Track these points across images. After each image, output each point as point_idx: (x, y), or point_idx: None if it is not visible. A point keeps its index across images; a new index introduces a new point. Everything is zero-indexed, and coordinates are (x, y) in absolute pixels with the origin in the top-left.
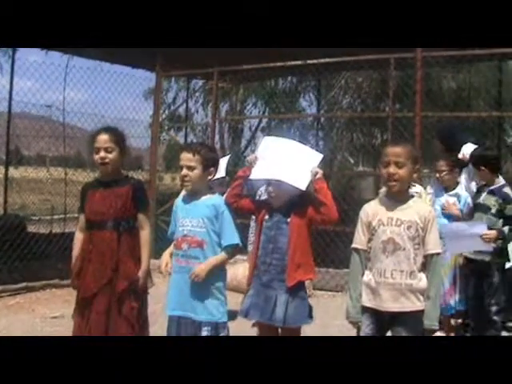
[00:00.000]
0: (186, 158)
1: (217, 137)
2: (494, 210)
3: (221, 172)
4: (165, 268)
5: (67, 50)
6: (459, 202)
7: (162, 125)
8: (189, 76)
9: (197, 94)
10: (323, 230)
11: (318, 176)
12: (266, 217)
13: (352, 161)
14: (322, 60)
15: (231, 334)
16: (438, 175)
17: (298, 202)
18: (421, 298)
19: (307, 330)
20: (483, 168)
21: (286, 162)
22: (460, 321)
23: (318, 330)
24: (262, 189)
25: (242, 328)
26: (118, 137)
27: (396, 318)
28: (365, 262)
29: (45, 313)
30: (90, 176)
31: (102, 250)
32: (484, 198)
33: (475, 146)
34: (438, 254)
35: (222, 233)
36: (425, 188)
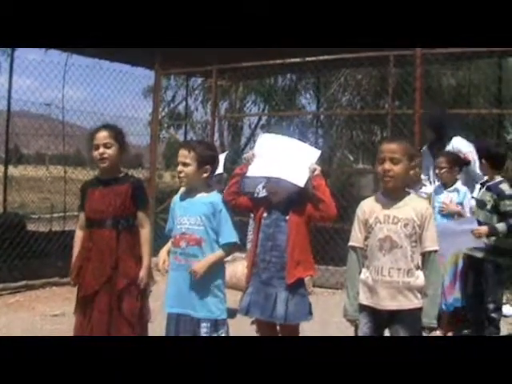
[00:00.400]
0: (182, 154)
1: (216, 134)
2: (489, 206)
3: (219, 169)
4: (162, 266)
5: (66, 49)
6: (458, 195)
7: (161, 123)
8: (188, 74)
9: (196, 92)
10: (323, 228)
11: (316, 173)
12: (265, 214)
13: (352, 158)
14: (321, 57)
15: (230, 332)
16: (437, 171)
17: (297, 200)
18: (418, 295)
19: (306, 328)
20: (485, 162)
21: (284, 159)
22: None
23: (318, 328)
24: (260, 186)
25: (242, 325)
26: (116, 133)
27: (394, 316)
28: (362, 260)
29: (45, 311)
30: (90, 174)
31: (101, 248)
32: (481, 193)
33: (464, 140)
34: (436, 251)
35: (220, 230)
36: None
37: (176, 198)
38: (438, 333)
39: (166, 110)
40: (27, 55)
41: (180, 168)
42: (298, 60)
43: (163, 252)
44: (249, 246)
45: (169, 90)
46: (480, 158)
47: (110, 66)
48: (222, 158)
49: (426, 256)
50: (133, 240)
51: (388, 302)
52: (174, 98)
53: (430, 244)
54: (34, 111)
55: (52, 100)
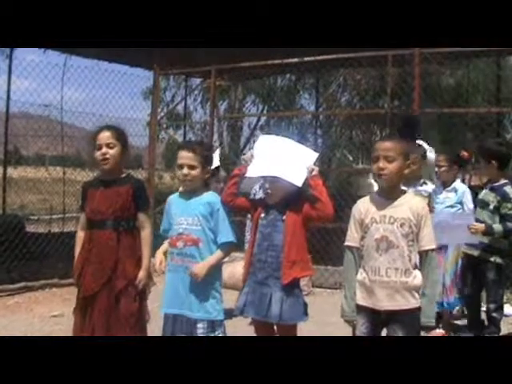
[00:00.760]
0: (187, 156)
1: (215, 135)
2: (491, 207)
3: (214, 163)
4: (159, 266)
5: (65, 49)
6: (456, 194)
7: (160, 123)
8: (187, 74)
9: (195, 93)
10: (322, 228)
11: (313, 173)
12: (262, 215)
13: (351, 158)
14: (320, 57)
15: (228, 333)
16: (436, 170)
17: (294, 200)
18: (416, 295)
19: (304, 328)
20: (493, 162)
21: (282, 159)
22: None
23: (316, 328)
24: (256, 187)
25: (239, 326)
26: (119, 134)
27: (392, 316)
28: (358, 260)
29: (43, 312)
30: (89, 175)
31: (101, 249)
32: (484, 193)
33: (423, 143)
34: (433, 249)
35: (218, 230)
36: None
37: (172, 198)
38: (438, 332)
39: (165, 110)
40: (26, 56)
41: (186, 171)
42: (296, 60)
43: (159, 253)
44: (246, 246)
45: (168, 91)
46: (487, 159)
47: (108, 67)
48: (216, 152)
49: (423, 255)
50: (133, 241)
51: (386, 302)
52: (173, 98)
53: (427, 243)
54: (33, 112)
55: (51, 101)
